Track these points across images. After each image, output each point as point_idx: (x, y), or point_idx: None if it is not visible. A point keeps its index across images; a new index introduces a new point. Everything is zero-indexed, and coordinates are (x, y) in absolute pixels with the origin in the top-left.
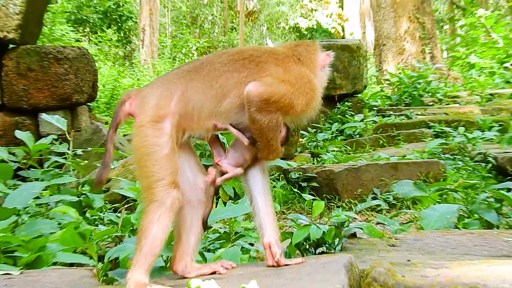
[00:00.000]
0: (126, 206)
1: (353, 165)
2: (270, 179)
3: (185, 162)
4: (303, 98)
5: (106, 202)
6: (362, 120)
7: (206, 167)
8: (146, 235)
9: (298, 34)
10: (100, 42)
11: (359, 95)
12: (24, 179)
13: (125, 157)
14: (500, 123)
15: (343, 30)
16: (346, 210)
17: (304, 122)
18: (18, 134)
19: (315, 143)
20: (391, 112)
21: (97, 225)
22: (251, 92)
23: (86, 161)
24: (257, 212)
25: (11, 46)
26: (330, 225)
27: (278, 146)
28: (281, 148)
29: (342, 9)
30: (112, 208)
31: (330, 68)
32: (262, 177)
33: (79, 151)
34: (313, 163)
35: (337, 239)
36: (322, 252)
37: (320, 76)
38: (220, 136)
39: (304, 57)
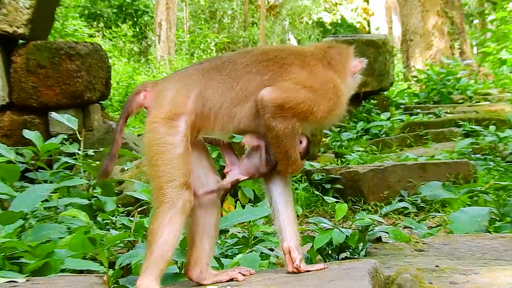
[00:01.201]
0: (139, 209)
1: (379, 166)
2: (292, 181)
3: (197, 162)
4: (326, 104)
5: (119, 205)
6: (388, 119)
7: (222, 167)
8: (157, 239)
9: (321, 29)
10: (114, 37)
11: (385, 92)
12: (32, 181)
13: (139, 158)
14: None
15: (368, 25)
16: (371, 213)
17: (326, 128)
18: (27, 133)
19: (339, 142)
20: (419, 110)
21: (108, 230)
22: (264, 97)
23: (97, 162)
24: (276, 215)
25: (20, 41)
26: (354, 229)
27: (298, 157)
28: (301, 160)
29: (368, 3)
30: (125, 212)
31: (361, 76)
32: (283, 178)
33: (90, 152)
34: (337, 164)
35: (361, 243)
36: (345, 258)
37: (349, 83)
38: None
39: (335, 60)
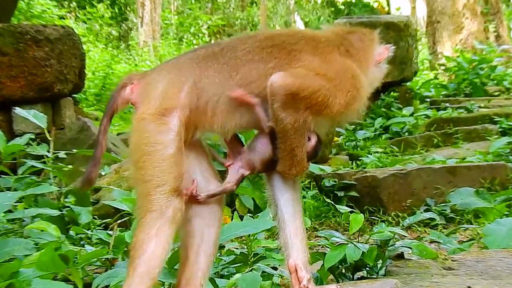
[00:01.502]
0: (119, 221)
1: (401, 170)
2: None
3: (196, 165)
4: (342, 97)
5: (95, 216)
6: (412, 114)
7: (220, 172)
8: (141, 253)
9: (333, 9)
10: (89, 19)
11: (407, 83)
12: None
13: (119, 161)
14: None
15: (388, 5)
16: (392, 225)
17: (342, 126)
18: None
19: (354, 142)
20: (448, 105)
21: (83, 246)
22: (276, 84)
23: (70, 166)
24: (282, 227)
25: None
26: (372, 244)
27: (304, 158)
28: (306, 162)
29: None
30: (102, 225)
31: (387, 65)
32: (291, 183)
33: (62, 154)
34: (352, 168)
35: (380, 261)
36: (362, 278)
37: (373, 73)
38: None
39: (356, 48)
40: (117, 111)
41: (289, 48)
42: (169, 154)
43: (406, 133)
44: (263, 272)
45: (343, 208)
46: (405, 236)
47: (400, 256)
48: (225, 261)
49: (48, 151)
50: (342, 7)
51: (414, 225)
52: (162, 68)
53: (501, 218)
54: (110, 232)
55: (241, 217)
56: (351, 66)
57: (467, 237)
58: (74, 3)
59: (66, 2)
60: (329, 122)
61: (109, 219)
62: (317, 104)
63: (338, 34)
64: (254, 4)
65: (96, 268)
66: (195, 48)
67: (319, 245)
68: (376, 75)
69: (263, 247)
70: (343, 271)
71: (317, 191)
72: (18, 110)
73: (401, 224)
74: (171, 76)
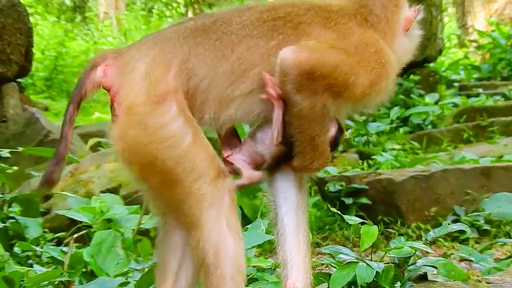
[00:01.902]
0: (75, 235)
1: (423, 172)
2: None
3: None
4: (366, 76)
5: (46, 230)
6: (436, 103)
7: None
8: (224, 255)
9: None
10: None
11: (431, 64)
12: None
13: (75, 162)
14: None
15: None
16: (413, 240)
17: (368, 111)
18: None
19: (365, 137)
20: (481, 90)
21: (31, 265)
22: (288, 60)
23: (15, 168)
24: (282, 241)
25: None
26: (388, 263)
27: (327, 148)
28: (329, 153)
29: None
30: (55, 240)
31: (419, 30)
32: (298, 186)
33: (4, 152)
34: (362, 169)
35: (398, 283)
36: None
37: (401, 45)
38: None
39: (376, 15)
40: (86, 97)
41: (296, 21)
42: (189, 142)
43: (430, 126)
44: None
45: (352, 219)
46: (429, 253)
47: (423, 278)
48: None
49: None
50: None
51: (440, 239)
52: (142, 44)
53: None
54: (64, 249)
55: None
56: (373, 38)
57: (506, 253)
58: None
59: None
60: (352, 106)
61: (63, 233)
62: (337, 84)
63: (353, 1)
64: None
65: None
66: (181, 21)
67: (323, 264)
68: (405, 46)
69: (254, 266)
70: None
71: (320, 197)
72: None
73: (423, 238)
74: (155, 53)
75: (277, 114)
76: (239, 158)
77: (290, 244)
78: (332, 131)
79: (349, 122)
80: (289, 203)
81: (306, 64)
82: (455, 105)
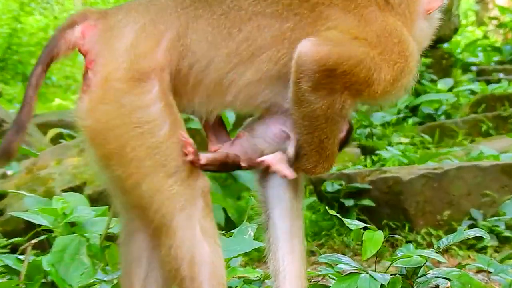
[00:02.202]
0: (34, 241)
1: (434, 169)
2: None
3: None
4: (389, 70)
5: None
6: (450, 90)
7: None
8: (200, 265)
9: None
10: None
11: (445, 45)
12: None
13: (33, 156)
14: None
15: None
16: (422, 248)
17: (385, 107)
18: None
19: (368, 129)
20: (502, 75)
21: None
22: (307, 56)
23: None
24: (274, 248)
25: None
26: (394, 274)
27: (335, 151)
28: (337, 155)
29: None
30: (9, 246)
31: (439, 15)
32: (293, 186)
33: None
34: (365, 166)
35: None
36: None
37: (421, 30)
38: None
39: None
40: (58, 59)
41: (313, 0)
42: (165, 132)
43: (443, 116)
44: None
45: (354, 223)
46: (441, 263)
47: None
48: None
49: None
50: None
51: (454, 247)
52: (131, 8)
53: None
54: (21, 257)
55: None
56: (396, 26)
57: None
58: None
59: None
60: (371, 103)
61: (19, 238)
62: (358, 81)
63: None
64: None
65: None
66: None
67: (320, 275)
68: (425, 31)
69: (240, 277)
70: None
71: (316, 198)
72: None
73: (435, 246)
74: (145, 21)
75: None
76: (226, 149)
77: (283, 252)
78: (343, 132)
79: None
80: (283, 204)
81: (328, 59)
82: (473, 92)
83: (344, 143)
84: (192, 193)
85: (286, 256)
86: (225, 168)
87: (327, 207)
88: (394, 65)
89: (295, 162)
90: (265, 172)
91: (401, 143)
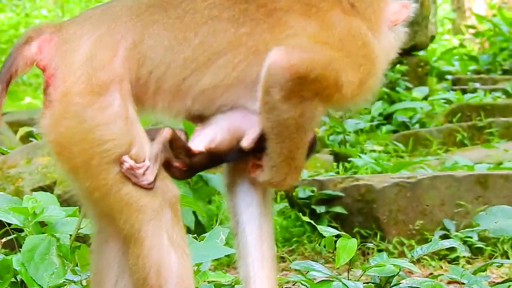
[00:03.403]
0: (3, 240)
1: (408, 178)
2: None
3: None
4: (355, 73)
5: None
6: (425, 98)
7: None
8: (167, 273)
9: None
10: None
11: (420, 52)
12: None
13: (4, 153)
14: None
15: None
16: (395, 257)
17: (348, 113)
18: None
19: (341, 136)
20: (478, 85)
21: None
22: (278, 64)
23: None
24: (243, 254)
25: None
26: (367, 282)
27: (303, 161)
28: (304, 166)
29: None
30: None
31: (405, 28)
32: (261, 191)
33: None
34: (337, 173)
35: None
36: None
37: (387, 40)
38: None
39: (363, 2)
40: (17, 76)
41: (271, 6)
42: (129, 147)
43: (417, 125)
44: None
45: (327, 230)
46: (414, 272)
47: None
48: None
49: None
50: None
51: (426, 257)
52: (86, 19)
53: None
54: None
55: None
56: (361, 28)
57: (502, 276)
58: None
59: None
60: (338, 109)
61: None
62: (328, 87)
63: None
64: None
65: None
66: None
67: (291, 281)
68: (391, 42)
69: (211, 282)
70: None
71: (287, 204)
72: None
73: (408, 255)
74: (101, 32)
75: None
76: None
77: (253, 258)
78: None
79: (323, 118)
80: (252, 210)
81: (299, 67)
82: (448, 101)
83: (310, 152)
84: (160, 203)
85: (256, 262)
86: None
87: (298, 213)
88: (360, 68)
89: (262, 176)
90: (234, 177)
91: (374, 151)
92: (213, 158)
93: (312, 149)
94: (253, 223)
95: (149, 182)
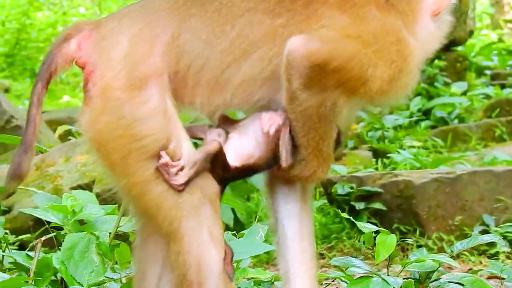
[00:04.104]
0: (43, 238)
1: (447, 174)
2: None
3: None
4: (385, 69)
5: (7, 231)
6: (464, 93)
7: None
8: (207, 272)
9: None
10: None
11: (459, 48)
12: None
13: (43, 152)
14: None
15: None
16: (434, 252)
17: (385, 109)
18: None
19: (379, 132)
20: None
21: None
22: (297, 52)
23: None
24: (282, 251)
25: None
26: (407, 278)
27: (331, 154)
28: (331, 161)
29: None
30: (18, 243)
31: (449, 17)
32: (300, 190)
33: None
34: (376, 169)
35: None
36: None
37: (427, 31)
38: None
39: None
40: (56, 74)
41: None
42: (168, 142)
43: (456, 120)
44: None
45: (366, 226)
46: (454, 268)
47: None
48: None
49: None
50: None
51: (466, 252)
52: (124, 15)
53: None
54: (30, 254)
55: None
56: (395, 25)
57: None
58: None
59: None
60: (365, 105)
61: (28, 235)
62: (351, 79)
63: None
64: None
65: None
66: None
67: (330, 277)
68: (432, 33)
69: (250, 279)
70: None
71: (326, 201)
72: None
73: (448, 251)
74: (139, 27)
75: (283, 133)
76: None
77: (293, 254)
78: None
79: (361, 114)
80: (291, 207)
81: (318, 55)
82: (487, 96)
83: (336, 146)
84: (200, 199)
85: (296, 259)
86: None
87: (337, 210)
88: (391, 64)
89: (293, 170)
90: (273, 174)
91: (413, 147)
92: (246, 172)
93: (338, 142)
94: (293, 220)
95: (179, 183)
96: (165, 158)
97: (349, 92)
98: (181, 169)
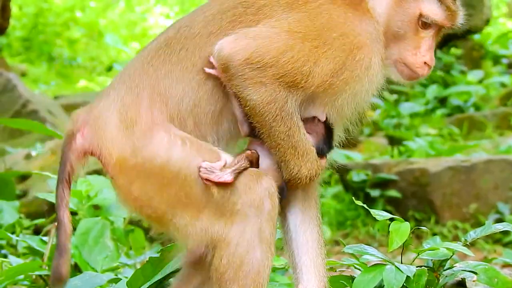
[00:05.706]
0: (56, 223)
1: (462, 162)
2: None
3: None
4: (326, 64)
5: (21, 216)
6: (480, 82)
7: None
8: (247, 269)
9: None
10: None
11: (476, 36)
12: None
13: (58, 137)
14: None
15: None
16: (449, 240)
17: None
18: None
19: (395, 119)
20: None
21: (5, 256)
22: (223, 50)
23: None
24: (289, 238)
25: None
26: (420, 266)
27: (309, 148)
28: (315, 155)
29: None
30: (33, 227)
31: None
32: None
33: None
34: (392, 156)
35: None
36: None
37: (385, 5)
38: None
39: None
40: (74, 172)
41: (257, 5)
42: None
43: (472, 108)
44: None
45: (380, 214)
46: (468, 256)
47: (461, 284)
48: None
49: None
50: None
51: (480, 240)
52: (110, 88)
53: None
54: (44, 238)
55: None
56: (343, 17)
57: None
58: None
59: None
60: (325, 102)
61: (43, 219)
62: (288, 74)
63: None
64: None
65: None
66: (148, 43)
67: (344, 264)
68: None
69: None
70: None
71: (341, 188)
72: None
73: (462, 239)
74: (122, 95)
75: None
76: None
77: (300, 242)
78: (319, 128)
79: (378, 101)
80: (295, 195)
81: (245, 51)
82: (503, 85)
83: (326, 141)
84: (258, 190)
85: (300, 248)
86: None
87: (352, 197)
88: (334, 59)
89: (284, 174)
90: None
91: (429, 134)
92: None
93: (326, 143)
94: (296, 208)
95: (229, 179)
96: (204, 166)
97: (290, 86)
98: (225, 164)
